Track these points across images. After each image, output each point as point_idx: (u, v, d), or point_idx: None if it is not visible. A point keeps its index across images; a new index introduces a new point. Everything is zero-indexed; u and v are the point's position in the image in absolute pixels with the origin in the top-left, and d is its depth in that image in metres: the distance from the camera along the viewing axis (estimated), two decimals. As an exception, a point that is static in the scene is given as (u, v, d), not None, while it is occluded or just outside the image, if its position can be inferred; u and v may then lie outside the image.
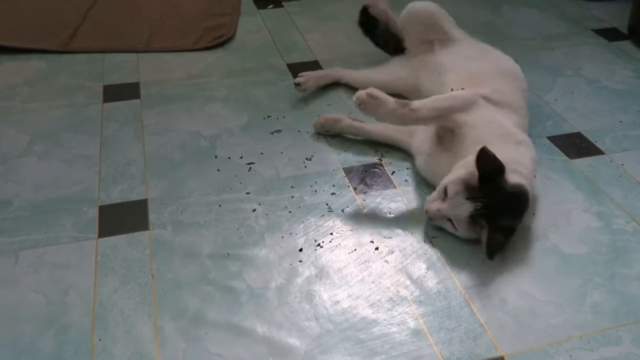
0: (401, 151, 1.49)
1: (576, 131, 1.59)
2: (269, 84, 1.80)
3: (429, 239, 1.25)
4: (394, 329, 1.06)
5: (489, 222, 1.16)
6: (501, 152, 1.17)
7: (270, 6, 2.33)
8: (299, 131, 1.58)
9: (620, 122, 1.63)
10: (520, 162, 1.24)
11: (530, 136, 1.54)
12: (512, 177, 1.18)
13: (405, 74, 1.66)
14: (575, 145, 1.54)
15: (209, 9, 2.25)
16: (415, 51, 1.70)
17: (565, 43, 2.05)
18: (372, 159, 1.48)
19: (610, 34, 2.11)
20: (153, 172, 1.43)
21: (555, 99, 1.73)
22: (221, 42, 2.03)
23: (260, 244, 1.24)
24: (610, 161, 1.48)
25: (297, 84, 1.69)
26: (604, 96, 1.75)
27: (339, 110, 1.65)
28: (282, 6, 2.33)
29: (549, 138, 1.56)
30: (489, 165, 1.16)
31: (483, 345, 1.03)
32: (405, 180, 1.41)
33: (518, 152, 1.27)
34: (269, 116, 1.64)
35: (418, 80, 1.61)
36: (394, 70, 1.70)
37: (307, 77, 1.71)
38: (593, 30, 2.14)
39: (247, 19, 2.22)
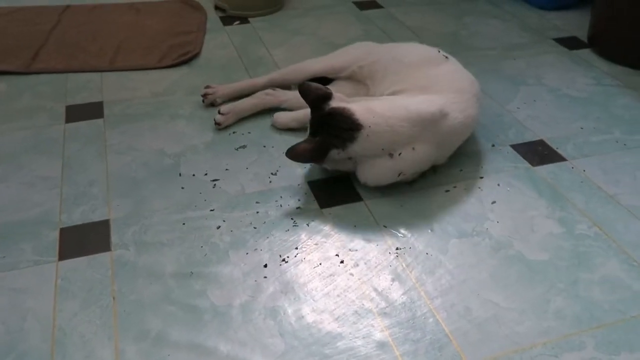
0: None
1: (538, 139, 1.61)
2: (236, 99, 1.79)
3: (394, 250, 1.25)
4: (359, 342, 1.05)
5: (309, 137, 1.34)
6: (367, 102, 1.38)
7: (237, 22, 2.33)
8: (264, 146, 1.58)
9: (581, 128, 1.66)
10: (380, 104, 1.38)
11: (493, 145, 1.57)
12: (339, 103, 1.35)
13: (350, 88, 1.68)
14: (538, 153, 1.56)
15: (174, 27, 2.24)
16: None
17: (527, 52, 2.09)
18: (336, 172, 1.48)
19: (570, 43, 2.15)
20: (116, 192, 1.41)
21: (518, 108, 1.75)
22: (186, 60, 2.02)
23: (224, 261, 1.22)
24: (572, 167, 1.50)
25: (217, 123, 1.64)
26: (565, 104, 1.78)
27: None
28: (248, 22, 2.33)
29: (512, 146, 1.58)
30: (312, 95, 1.36)
31: (448, 355, 1.03)
32: (370, 192, 1.41)
33: (381, 103, 1.40)
34: (234, 132, 1.64)
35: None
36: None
37: (228, 111, 1.66)
38: (554, 39, 2.18)
39: (213, 35, 2.22)
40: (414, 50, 1.64)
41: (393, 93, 1.50)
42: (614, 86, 1.87)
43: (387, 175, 1.37)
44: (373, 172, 1.36)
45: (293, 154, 1.32)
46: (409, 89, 1.48)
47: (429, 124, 1.35)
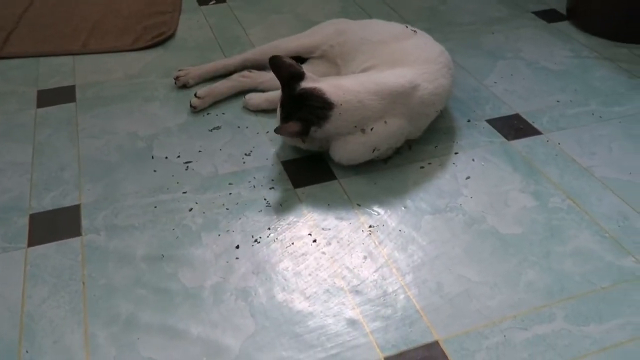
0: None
1: (514, 113, 1.60)
2: (209, 81, 1.77)
3: (367, 227, 1.24)
4: (330, 321, 1.05)
5: (285, 118, 1.35)
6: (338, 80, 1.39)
7: (212, 2, 2.30)
8: (238, 127, 1.56)
9: (558, 101, 1.65)
10: (350, 81, 1.38)
11: (469, 120, 1.56)
12: (310, 84, 1.34)
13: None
14: (513, 127, 1.55)
15: (148, 8, 2.21)
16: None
17: (506, 26, 2.07)
18: (309, 152, 1.46)
19: (549, 16, 2.13)
20: (87, 177, 1.40)
21: (495, 82, 1.74)
22: (161, 41, 1.99)
23: (196, 243, 1.21)
24: (547, 141, 1.50)
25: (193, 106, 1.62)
26: (542, 77, 1.77)
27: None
28: (224, 2, 2.30)
29: (488, 121, 1.57)
30: (284, 72, 1.36)
31: (418, 331, 1.03)
32: (344, 171, 1.40)
33: (350, 80, 1.40)
34: (208, 114, 1.62)
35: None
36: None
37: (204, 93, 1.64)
38: (533, 12, 2.16)
39: (188, 16, 2.18)
40: (382, 27, 1.63)
41: (363, 71, 1.48)
42: (591, 58, 1.85)
43: (361, 152, 1.36)
44: (347, 149, 1.35)
45: (283, 130, 1.31)
46: (378, 65, 1.47)
47: (399, 97, 1.34)
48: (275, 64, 1.38)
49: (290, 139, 1.39)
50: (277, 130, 1.30)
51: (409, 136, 1.43)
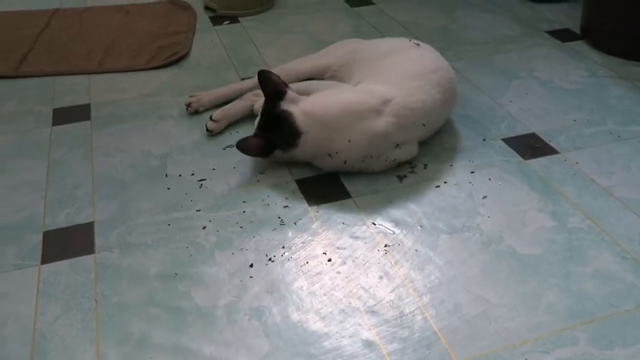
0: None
1: (530, 132, 1.59)
2: (218, 107, 1.78)
3: (383, 247, 1.23)
4: (346, 342, 1.03)
5: (258, 131, 1.42)
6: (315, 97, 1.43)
7: (226, 22, 2.32)
8: (252, 145, 1.55)
9: (574, 120, 1.63)
10: (318, 104, 1.40)
11: (484, 139, 1.55)
12: (288, 105, 1.39)
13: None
14: (530, 146, 1.53)
15: (163, 28, 2.23)
16: None
17: (519, 45, 2.06)
18: (322, 170, 1.45)
19: (563, 35, 2.12)
20: (101, 194, 1.40)
21: (510, 101, 1.73)
22: (175, 60, 2.00)
23: (209, 262, 1.20)
24: (565, 160, 1.48)
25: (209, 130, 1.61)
26: (557, 96, 1.75)
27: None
28: (238, 22, 2.31)
29: (504, 140, 1.56)
30: (269, 88, 1.42)
31: (436, 353, 1.01)
32: (359, 190, 1.39)
33: (324, 98, 1.43)
34: (221, 132, 1.62)
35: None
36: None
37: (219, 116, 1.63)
38: (546, 32, 2.16)
39: (202, 35, 2.20)
40: (386, 44, 1.65)
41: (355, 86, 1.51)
42: (607, 77, 1.84)
43: (334, 166, 1.42)
44: (320, 164, 1.42)
45: (243, 147, 1.40)
46: (363, 80, 1.49)
47: (364, 114, 1.35)
48: (262, 78, 1.43)
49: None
50: (237, 145, 1.38)
51: (403, 145, 1.41)
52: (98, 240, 1.26)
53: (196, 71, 1.95)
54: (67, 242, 1.26)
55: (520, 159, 1.49)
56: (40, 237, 1.27)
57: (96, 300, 1.12)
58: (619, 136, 1.56)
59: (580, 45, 2.06)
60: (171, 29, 2.22)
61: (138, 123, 1.67)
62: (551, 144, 1.54)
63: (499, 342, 1.02)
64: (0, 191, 1.41)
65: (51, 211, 1.35)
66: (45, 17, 2.32)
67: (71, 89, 1.86)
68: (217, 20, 2.33)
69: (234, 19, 2.33)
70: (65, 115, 1.71)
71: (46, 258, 1.22)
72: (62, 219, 1.32)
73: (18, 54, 2.03)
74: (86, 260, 1.21)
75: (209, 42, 2.16)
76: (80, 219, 1.32)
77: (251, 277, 1.17)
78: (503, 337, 1.03)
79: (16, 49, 2.06)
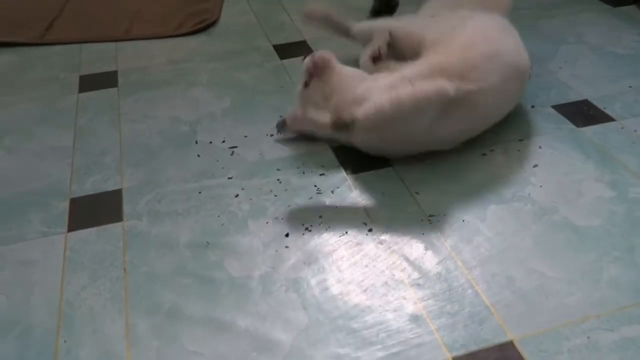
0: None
1: (583, 98, 1.48)
2: (254, 66, 1.70)
3: (427, 217, 1.14)
4: (390, 316, 0.96)
5: None
6: None
7: (257, -11, 2.22)
8: (285, 112, 1.48)
9: (630, 87, 1.52)
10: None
11: (533, 106, 1.45)
12: None
13: None
14: (583, 113, 1.43)
15: (191, -4, 2.15)
16: None
17: (566, 11, 1.94)
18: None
19: (614, 0, 1.99)
20: (129, 161, 1.34)
21: (560, 67, 1.62)
22: (204, 27, 1.93)
23: (243, 231, 1.13)
24: (622, 128, 1.37)
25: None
26: (610, 62, 1.63)
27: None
28: (268, -12, 2.22)
29: (554, 107, 1.45)
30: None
31: (489, 329, 0.93)
32: (401, 158, 1.30)
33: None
34: (253, 99, 1.54)
35: None
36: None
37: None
38: (600, -4, 2.03)
39: (232, 2, 2.12)
40: None
41: None
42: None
43: None
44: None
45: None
46: None
47: None
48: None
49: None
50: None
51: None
52: (126, 208, 1.20)
53: (225, 38, 1.88)
54: (94, 210, 1.20)
55: (573, 126, 1.38)
56: (67, 204, 1.22)
57: (124, 270, 1.06)
58: (680, 103, 1.44)
59: (632, 10, 1.92)
60: (200, -4, 2.14)
61: (166, 90, 1.61)
62: (606, 110, 1.43)
63: (557, 319, 0.94)
64: (27, 158, 1.36)
65: (78, 178, 1.29)
66: (72, -15, 2.25)
67: (98, 56, 1.80)
68: (247, -14, 2.25)
69: (264, -14, 2.24)
70: (92, 82, 1.66)
71: (73, 225, 1.16)
72: (89, 186, 1.27)
73: (44, 22, 1.98)
74: (114, 228, 1.15)
75: (239, 8, 2.08)
76: (108, 186, 1.26)
77: (287, 247, 1.10)
78: (562, 313, 0.95)
79: (42, 17, 2.01)
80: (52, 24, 1.97)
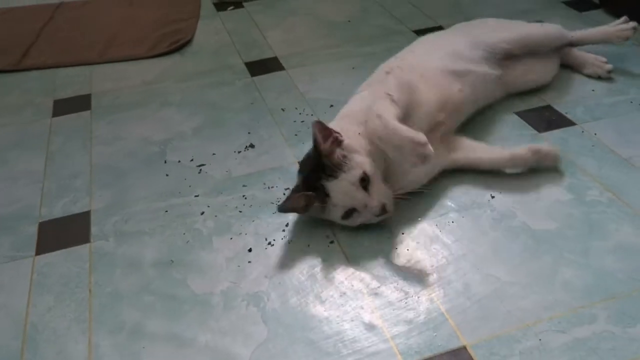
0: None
1: (546, 104, 1.50)
2: (226, 84, 1.73)
3: (388, 227, 1.16)
4: (347, 326, 0.98)
5: None
6: None
7: (231, 7, 2.27)
8: (254, 128, 1.51)
9: (593, 91, 1.54)
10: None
11: (496, 113, 1.47)
12: None
13: None
14: (545, 119, 1.45)
15: (166, 16, 2.19)
16: None
17: (536, 17, 1.96)
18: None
19: (581, 5, 2.02)
20: (99, 183, 1.36)
21: (524, 74, 1.64)
22: (178, 47, 1.96)
23: (207, 248, 1.16)
24: (583, 132, 1.39)
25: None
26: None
27: (294, 103, 1.58)
28: (242, 7, 2.26)
29: (517, 113, 1.47)
30: None
31: (444, 335, 0.95)
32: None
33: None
34: (223, 116, 1.57)
35: None
36: None
37: None
38: (563, 2, 2.06)
39: (206, 22, 2.16)
40: None
41: None
42: (628, 45, 1.74)
43: None
44: None
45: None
46: None
47: None
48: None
49: None
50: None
51: None
52: (94, 229, 1.22)
53: (199, 57, 1.91)
54: (63, 232, 1.22)
55: (535, 132, 1.41)
56: (35, 228, 1.24)
57: (90, 290, 1.08)
58: (640, 105, 1.47)
59: (598, 15, 1.96)
60: (174, 17, 2.18)
61: (138, 111, 1.64)
62: (568, 115, 1.46)
63: (511, 323, 0.96)
64: (-2, 183, 1.39)
65: (48, 201, 1.31)
66: (50, 10, 2.30)
67: (72, 80, 1.83)
68: (221, 6, 2.29)
69: (238, 4, 2.28)
70: (66, 106, 1.69)
71: (41, 249, 1.19)
72: (58, 209, 1.29)
73: (21, 47, 2.01)
74: (81, 249, 1.17)
75: (212, 27, 2.11)
76: (77, 209, 1.29)
77: (250, 262, 1.12)
78: (516, 316, 0.97)
79: (19, 42, 2.04)
80: (28, 50, 2.00)
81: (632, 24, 1.58)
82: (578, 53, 1.62)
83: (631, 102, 1.48)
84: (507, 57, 1.47)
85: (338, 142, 1.13)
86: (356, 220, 1.12)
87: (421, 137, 1.06)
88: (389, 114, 1.11)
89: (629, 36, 1.58)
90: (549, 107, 1.49)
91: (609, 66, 1.57)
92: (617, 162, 1.29)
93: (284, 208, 1.12)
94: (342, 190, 1.09)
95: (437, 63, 1.36)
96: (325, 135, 1.12)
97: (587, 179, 1.25)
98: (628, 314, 0.95)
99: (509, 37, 1.49)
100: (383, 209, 1.09)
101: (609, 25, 1.61)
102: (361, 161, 1.11)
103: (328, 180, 1.09)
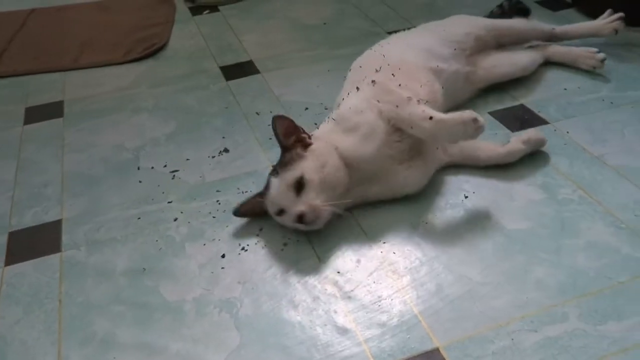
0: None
1: (519, 103, 1.51)
2: (200, 88, 1.72)
3: (361, 229, 1.16)
4: (320, 330, 0.97)
5: None
6: None
7: (206, 11, 2.25)
8: (228, 133, 1.50)
9: (565, 89, 1.55)
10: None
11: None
12: None
13: None
14: (518, 118, 1.46)
15: (141, 22, 2.17)
16: None
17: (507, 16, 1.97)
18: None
19: (554, 5, 2.04)
20: (71, 191, 1.34)
21: (497, 74, 1.64)
22: (152, 52, 1.95)
23: (180, 255, 1.14)
24: (555, 130, 1.40)
25: None
26: (548, 66, 1.67)
27: (269, 106, 1.58)
28: (218, 10, 2.25)
29: (490, 113, 1.48)
30: None
31: (417, 337, 0.94)
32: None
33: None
34: (198, 121, 1.56)
35: None
36: None
37: None
38: (536, 2, 2.07)
39: (181, 26, 2.14)
40: None
41: None
42: (601, 44, 1.75)
43: None
44: None
45: None
46: None
47: None
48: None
49: None
50: None
51: None
52: (65, 239, 1.21)
53: (173, 62, 1.90)
54: (33, 242, 1.21)
55: (508, 131, 1.41)
56: (5, 238, 1.22)
57: (60, 301, 1.07)
58: (612, 102, 1.48)
59: (571, 14, 1.97)
60: (149, 22, 2.16)
61: (112, 117, 1.62)
62: (540, 114, 1.46)
63: (483, 323, 0.96)
64: (-33, 193, 1.36)
65: (18, 211, 1.29)
66: (22, 17, 2.27)
67: (45, 87, 1.81)
68: (196, 10, 2.27)
69: (213, 8, 2.27)
70: (38, 114, 1.66)
71: (10, 259, 1.17)
72: (28, 219, 1.27)
73: (-8, 55, 1.98)
74: (52, 259, 1.16)
75: (187, 32, 2.10)
76: (48, 218, 1.27)
77: (223, 268, 1.11)
78: (488, 316, 0.97)
79: (-10, 50, 2.02)
80: (0, 57, 1.97)
81: (619, 14, 1.59)
82: (567, 49, 1.62)
83: (603, 100, 1.50)
84: (476, 52, 1.48)
85: (303, 143, 1.13)
86: (285, 221, 1.12)
87: (467, 114, 1.09)
88: (427, 111, 1.12)
89: (618, 28, 1.60)
90: (521, 106, 1.50)
91: (601, 55, 1.56)
92: (588, 160, 1.30)
93: (237, 212, 1.16)
94: (277, 187, 1.10)
95: (417, 61, 1.36)
96: (287, 132, 1.14)
97: (559, 178, 1.25)
98: (599, 311, 0.96)
99: (477, 29, 1.51)
100: (300, 218, 1.07)
101: (596, 19, 1.62)
102: (305, 165, 1.10)
103: (273, 175, 1.11)
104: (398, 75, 1.30)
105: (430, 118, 1.12)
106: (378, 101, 1.18)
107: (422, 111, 1.13)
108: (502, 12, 1.71)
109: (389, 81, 1.26)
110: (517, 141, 1.28)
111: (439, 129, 1.12)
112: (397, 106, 1.15)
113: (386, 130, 1.15)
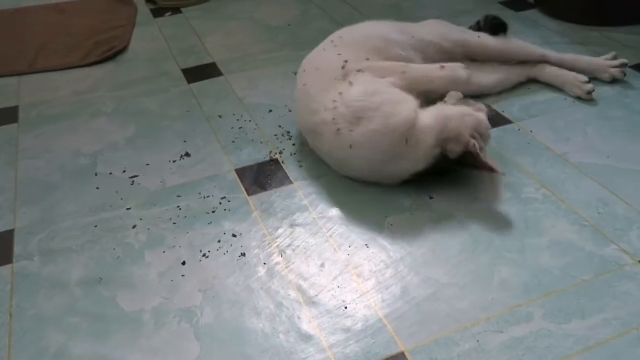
0: (301, 146, 1.38)
1: (482, 103, 1.51)
2: (161, 91, 1.68)
3: (327, 232, 1.14)
4: (283, 337, 0.94)
5: None
6: None
7: (168, 13, 2.21)
8: (189, 136, 1.46)
9: (528, 89, 1.56)
10: None
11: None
12: None
13: None
14: (482, 117, 1.45)
15: (101, 24, 2.11)
16: None
17: (473, 18, 1.97)
18: (266, 156, 1.36)
19: (516, 5, 2.06)
20: (24, 199, 1.29)
21: (461, 74, 1.64)
22: (111, 55, 1.89)
23: (138, 263, 1.10)
24: (519, 129, 1.40)
25: None
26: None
27: (232, 109, 1.55)
28: (180, 12, 2.21)
29: (454, 113, 1.47)
30: None
31: (382, 341, 0.92)
32: (301, 176, 1.30)
33: None
34: (158, 125, 1.52)
35: None
36: None
37: None
38: (500, 2, 2.09)
39: (142, 29, 2.09)
40: None
41: None
42: (562, 44, 1.77)
43: None
44: None
45: None
46: None
47: None
48: None
49: None
50: None
51: None
52: (17, 249, 1.15)
53: (134, 65, 1.85)
54: (-17, 253, 1.15)
55: (472, 131, 1.41)
56: (-47, 250, 1.16)
57: (10, 314, 1.02)
58: (574, 101, 1.49)
59: (533, 14, 1.99)
60: (108, 25, 2.10)
61: (69, 122, 1.56)
62: (504, 114, 1.47)
63: (449, 325, 0.94)
64: None
65: (-32, 221, 1.24)
66: (-25, 20, 2.19)
67: (-1, 92, 1.74)
68: (158, 12, 2.23)
69: (176, 10, 2.23)
70: (-10, 120, 1.60)
71: (-42, 272, 1.11)
72: (-21, 229, 1.21)
73: (-58, 60, 1.91)
74: (2, 271, 1.11)
75: (149, 34, 2.05)
76: (-1, 227, 1.21)
77: (183, 275, 1.07)
78: (454, 318, 0.95)
79: (-59, 55, 1.94)
80: (-49, 61, 1.90)
81: (622, 60, 1.54)
82: (555, 73, 1.54)
83: (565, 99, 1.51)
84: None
85: None
86: None
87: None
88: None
89: (618, 77, 1.53)
90: (485, 106, 1.49)
91: (589, 86, 1.48)
92: (552, 158, 1.30)
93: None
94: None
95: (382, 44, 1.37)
96: None
97: (523, 176, 1.25)
98: (564, 310, 0.95)
99: (443, 40, 1.49)
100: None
101: (598, 57, 1.57)
102: None
103: None
104: (371, 56, 1.28)
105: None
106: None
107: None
108: (478, 29, 1.67)
109: (372, 62, 1.25)
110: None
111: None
112: (403, 72, 1.19)
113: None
